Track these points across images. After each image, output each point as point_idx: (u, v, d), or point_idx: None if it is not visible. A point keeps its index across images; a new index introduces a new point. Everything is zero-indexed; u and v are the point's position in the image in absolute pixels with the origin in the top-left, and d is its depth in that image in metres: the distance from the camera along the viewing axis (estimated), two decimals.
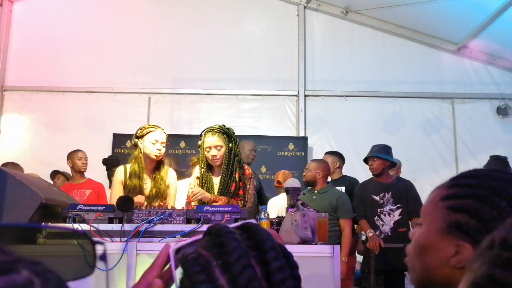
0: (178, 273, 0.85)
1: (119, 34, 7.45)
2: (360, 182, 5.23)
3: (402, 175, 5.38)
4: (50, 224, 2.89)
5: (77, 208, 3.00)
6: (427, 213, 0.99)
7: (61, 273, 0.92)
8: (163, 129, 3.80)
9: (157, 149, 3.67)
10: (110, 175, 5.40)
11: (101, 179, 5.97)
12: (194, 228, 2.87)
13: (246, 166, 3.84)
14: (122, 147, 6.82)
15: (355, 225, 5.02)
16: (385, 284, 4.86)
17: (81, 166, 5.65)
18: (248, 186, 3.75)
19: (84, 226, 2.90)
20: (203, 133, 3.73)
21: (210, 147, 3.66)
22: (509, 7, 6.07)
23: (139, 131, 3.74)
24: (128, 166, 3.74)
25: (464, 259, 0.89)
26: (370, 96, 7.28)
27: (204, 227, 2.88)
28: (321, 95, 7.34)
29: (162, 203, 3.47)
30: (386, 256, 4.62)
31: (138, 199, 3.49)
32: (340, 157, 5.54)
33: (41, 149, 7.01)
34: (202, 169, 3.73)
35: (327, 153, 5.64)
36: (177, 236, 2.85)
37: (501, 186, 0.92)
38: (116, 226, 2.93)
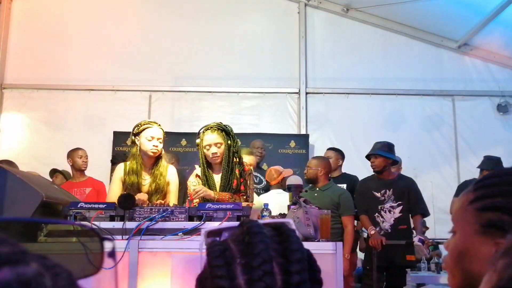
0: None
1: (119, 31, 7.44)
2: (361, 179, 5.23)
3: (403, 172, 5.38)
4: (58, 220, 2.88)
5: (78, 206, 2.99)
6: (458, 219, 0.99)
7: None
8: (159, 125, 3.79)
9: (154, 146, 3.66)
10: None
11: (102, 177, 5.96)
12: (196, 226, 2.86)
13: (245, 162, 3.84)
14: (122, 145, 6.80)
15: (356, 222, 5.02)
16: (386, 281, 4.87)
17: (81, 165, 5.64)
18: (248, 182, 3.76)
19: (85, 224, 2.89)
20: (201, 131, 3.72)
21: (210, 145, 3.65)
22: (509, 5, 6.06)
23: (135, 128, 3.74)
24: (128, 163, 3.74)
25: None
26: (371, 94, 7.27)
27: (206, 225, 2.87)
28: (322, 93, 7.33)
29: (163, 201, 3.46)
30: (387, 253, 4.62)
31: (140, 196, 3.47)
32: (342, 155, 5.54)
33: (41, 147, 7.00)
34: (202, 167, 3.73)
35: (329, 149, 5.63)
36: (179, 234, 2.85)
37: None
38: (117, 224, 2.92)
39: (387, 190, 4.83)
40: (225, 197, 3.58)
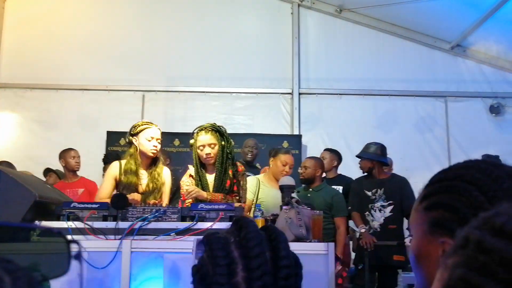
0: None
1: (113, 31, 7.42)
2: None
3: (395, 173, 5.41)
4: (39, 223, 2.88)
5: (71, 205, 2.99)
6: (412, 221, 0.97)
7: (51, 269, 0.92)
8: (157, 126, 3.81)
9: (154, 146, 3.68)
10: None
11: (95, 177, 5.95)
12: (188, 226, 2.88)
13: (238, 163, 3.86)
14: (116, 145, 6.80)
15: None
16: (378, 281, 4.89)
17: (74, 165, 5.63)
18: (241, 182, 3.78)
19: (78, 224, 2.90)
20: (195, 132, 3.74)
21: (203, 145, 3.66)
22: (502, 6, 6.09)
23: (133, 129, 3.73)
24: (123, 162, 3.73)
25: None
26: (364, 94, 7.29)
27: (199, 225, 2.89)
28: (315, 93, 7.35)
29: (157, 201, 3.47)
30: (378, 253, 4.65)
31: (133, 196, 3.48)
32: (338, 156, 5.58)
33: (34, 147, 6.97)
34: (196, 168, 3.74)
35: (326, 149, 5.66)
36: (171, 234, 2.86)
37: (467, 173, 0.90)
38: (110, 224, 2.93)
39: (378, 189, 4.88)
40: (218, 198, 3.60)
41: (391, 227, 4.78)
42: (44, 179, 5.95)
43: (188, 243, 2.76)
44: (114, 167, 3.73)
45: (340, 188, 5.23)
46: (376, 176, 4.95)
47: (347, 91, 7.31)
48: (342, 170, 5.67)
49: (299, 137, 7.09)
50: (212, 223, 2.89)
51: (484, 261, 0.56)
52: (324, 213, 3.59)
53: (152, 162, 3.76)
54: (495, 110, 7.26)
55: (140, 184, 3.66)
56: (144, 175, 3.71)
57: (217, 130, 3.72)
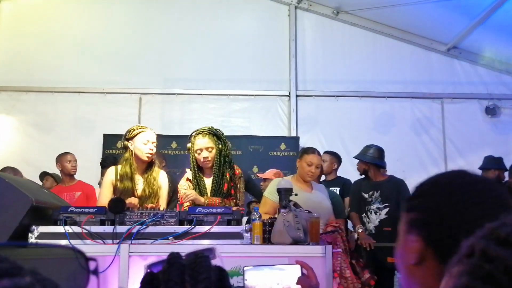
0: None
1: (109, 34, 7.41)
2: (353, 181, 5.35)
3: (393, 175, 5.42)
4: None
5: (68, 210, 2.98)
6: (399, 226, 1.07)
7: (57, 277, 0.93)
8: (152, 129, 3.79)
9: (149, 149, 3.66)
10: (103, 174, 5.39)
11: (92, 180, 5.94)
12: (186, 230, 2.87)
13: (235, 166, 3.86)
14: (113, 148, 6.78)
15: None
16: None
17: (70, 169, 5.61)
18: (238, 185, 3.78)
19: (76, 229, 2.89)
20: (192, 136, 3.74)
21: (201, 149, 3.66)
22: (497, 9, 6.11)
23: (128, 133, 3.71)
24: (119, 167, 3.72)
25: (415, 252, 0.96)
26: (361, 96, 7.30)
27: (197, 229, 2.88)
28: (312, 95, 7.35)
29: (155, 205, 3.46)
30: (375, 254, 4.67)
31: (131, 200, 3.47)
32: (338, 158, 5.59)
33: (30, 151, 6.95)
34: (193, 171, 3.74)
35: (326, 152, 5.67)
36: (169, 238, 2.85)
37: (436, 179, 1.03)
38: (108, 228, 2.92)
39: (375, 192, 4.90)
40: (216, 202, 3.60)
41: (386, 229, 4.79)
42: (40, 182, 5.94)
43: (187, 247, 2.76)
44: (110, 173, 3.72)
45: (337, 189, 5.25)
46: (372, 178, 4.98)
47: (344, 93, 7.32)
48: (339, 171, 5.69)
49: (296, 139, 7.09)
50: (210, 226, 2.89)
51: (489, 269, 0.57)
52: None
53: (147, 167, 3.74)
54: (490, 111, 7.28)
55: (136, 189, 3.65)
56: (140, 180, 3.69)
57: (215, 134, 3.72)
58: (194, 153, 3.69)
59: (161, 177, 3.78)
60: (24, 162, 6.55)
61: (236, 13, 7.61)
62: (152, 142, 3.69)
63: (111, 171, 3.74)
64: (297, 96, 7.33)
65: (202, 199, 3.57)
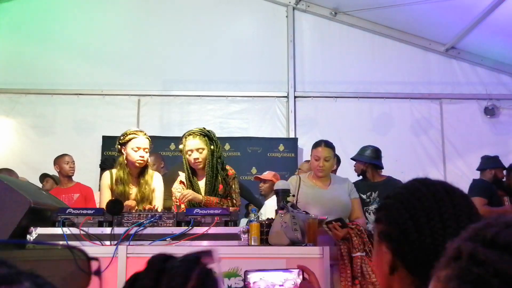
0: None
1: (108, 35, 7.42)
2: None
3: (391, 175, 5.42)
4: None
5: (67, 212, 2.99)
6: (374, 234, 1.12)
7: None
8: (145, 134, 3.78)
9: (140, 156, 3.67)
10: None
11: (91, 182, 5.95)
12: (184, 231, 2.88)
13: (228, 167, 3.86)
14: (112, 150, 6.75)
15: None
16: None
17: (68, 171, 5.62)
18: (233, 186, 3.78)
19: (74, 230, 2.90)
20: (183, 137, 3.75)
21: (192, 150, 3.67)
22: (496, 8, 6.12)
23: (121, 138, 3.73)
24: (114, 171, 3.75)
25: (387, 262, 0.99)
26: (359, 97, 7.30)
27: (195, 230, 2.89)
28: (310, 96, 7.35)
29: (151, 207, 3.48)
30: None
31: (129, 202, 3.49)
32: (338, 160, 5.59)
33: (29, 153, 6.96)
34: (186, 173, 3.74)
35: None
36: (167, 239, 2.86)
37: (398, 191, 1.08)
38: (106, 230, 2.93)
39: (373, 192, 4.90)
40: (213, 201, 3.61)
41: None
42: (40, 184, 5.95)
43: (184, 248, 2.77)
44: (106, 178, 3.76)
45: None
46: (370, 179, 4.98)
47: (343, 93, 7.32)
48: (338, 173, 5.67)
49: (295, 140, 7.09)
50: (207, 228, 2.90)
51: (479, 273, 0.57)
52: None
53: (141, 170, 3.77)
54: (489, 112, 7.28)
55: (130, 193, 3.68)
56: (134, 184, 3.73)
57: (206, 135, 3.72)
58: (186, 154, 3.70)
59: (155, 180, 3.80)
60: (23, 164, 6.56)
61: (234, 15, 7.62)
62: (144, 149, 3.69)
63: (106, 175, 3.78)
64: (295, 97, 7.33)
65: (200, 197, 3.58)
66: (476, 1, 6.25)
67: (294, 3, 7.51)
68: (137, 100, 7.27)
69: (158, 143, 6.78)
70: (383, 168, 5.11)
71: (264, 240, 3.01)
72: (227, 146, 6.75)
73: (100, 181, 3.89)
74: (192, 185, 3.70)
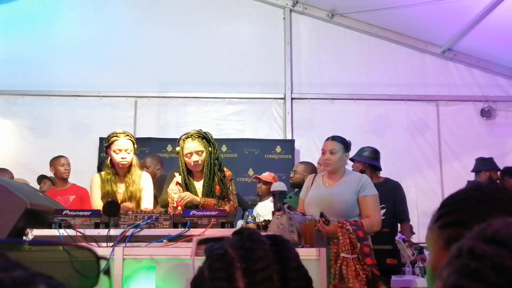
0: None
1: (105, 37, 7.42)
2: None
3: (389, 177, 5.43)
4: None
5: (63, 213, 2.99)
6: (427, 240, 1.05)
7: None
8: (127, 134, 3.82)
9: (122, 158, 3.73)
10: None
11: (87, 184, 5.90)
12: (180, 233, 2.88)
13: (225, 169, 3.87)
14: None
15: None
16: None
17: (63, 173, 5.61)
18: (230, 188, 3.79)
19: (70, 232, 2.89)
20: (181, 139, 3.74)
21: (191, 153, 3.67)
22: (492, 10, 6.14)
23: (106, 141, 3.83)
24: (103, 173, 3.87)
25: None
26: (356, 99, 7.32)
27: (191, 232, 2.89)
28: (307, 98, 7.36)
29: (131, 206, 3.56)
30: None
31: (126, 204, 3.52)
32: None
33: (26, 154, 6.95)
34: (183, 175, 3.74)
35: None
36: (164, 241, 2.86)
37: (475, 194, 1.00)
38: (102, 231, 2.92)
39: None
40: (211, 203, 3.61)
41: (384, 230, 4.78)
42: (38, 186, 5.94)
43: (181, 250, 2.77)
44: (96, 178, 3.87)
45: None
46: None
47: (339, 95, 7.33)
48: None
49: (291, 142, 7.10)
50: (204, 229, 2.90)
51: (476, 266, 0.58)
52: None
53: (128, 170, 3.83)
54: (486, 113, 7.30)
55: (119, 193, 3.75)
56: (121, 184, 3.81)
57: (204, 137, 3.72)
58: (184, 157, 3.70)
59: (143, 179, 3.87)
60: (20, 166, 6.55)
61: (232, 17, 7.62)
62: (125, 150, 3.75)
63: (96, 177, 3.90)
64: (292, 99, 7.33)
65: (198, 199, 3.59)
66: (472, 3, 6.26)
67: (291, 5, 7.52)
68: (134, 102, 7.27)
69: (155, 145, 6.81)
70: (381, 170, 5.12)
71: None
72: (224, 148, 6.75)
73: (90, 183, 3.97)
74: (188, 187, 3.70)
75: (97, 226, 2.97)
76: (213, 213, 3.00)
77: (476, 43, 7.03)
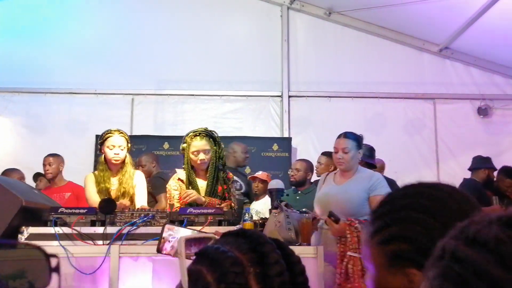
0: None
1: (101, 35, 7.38)
2: None
3: (384, 175, 5.42)
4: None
5: (59, 211, 2.97)
6: (366, 255, 0.98)
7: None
8: (121, 132, 3.90)
9: (115, 154, 3.80)
10: None
11: (83, 182, 5.91)
12: None
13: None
14: None
15: None
16: None
17: (45, 172, 5.49)
18: (231, 189, 3.79)
19: (66, 229, 2.88)
20: (187, 136, 3.73)
21: (198, 151, 3.66)
22: (489, 9, 6.14)
23: (100, 138, 3.92)
24: (97, 172, 3.93)
25: (418, 285, 0.86)
26: (353, 97, 7.31)
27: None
28: (304, 96, 7.35)
29: (126, 203, 3.58)
30: None
31: (123, 201, 3.52)
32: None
33: (22, 152, 6.91)
34: (187, 172, 3.73)
35: (323, 153, 5.60)
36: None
37: (413, 201, 0.93)
38: (98, 229, 2.91)
39: None
40: (215, 203, 3.60)
41: None
42: (34, 184, 5.91)
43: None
44: (90, 176, 3.94)
45: None
46: None
47: (336, 93, 7.32)
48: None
49: (289, 139, 7.09)
50: (201, 227, 2.89)
51: (459, 271, 0.58)
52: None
53: (121, 167, 3.88)
54: (483, 112, 7.31)
55: (112, 189, 3.78)
56: (114, 181, 3.84)
57: (210, 136, 3.73)
58: (190, 154, 3.69)
59: (136, 177, 3.91)
60: (16, 163, 6.50)
61: (229, 14, 7.61)
62: (119, 146, 3.82)
63: (90, 175, 3.97)
64: (289, 96, 7.32)
65: (202, 199, 3.58)
66: (470, 1, 6.26)
67: (288, 2, 7.50)
68: (130, 99, 7.24)
69: (152, 142, 6.79)
70: (376, 167, 5.11)
71: None
72: None
73: (84, 181, 4.01)
74: (191, 184, 3.69)
75: (93, 224, 2.96)
76: (210, 210, 2.99)
77: (473, 42, 7.03)
